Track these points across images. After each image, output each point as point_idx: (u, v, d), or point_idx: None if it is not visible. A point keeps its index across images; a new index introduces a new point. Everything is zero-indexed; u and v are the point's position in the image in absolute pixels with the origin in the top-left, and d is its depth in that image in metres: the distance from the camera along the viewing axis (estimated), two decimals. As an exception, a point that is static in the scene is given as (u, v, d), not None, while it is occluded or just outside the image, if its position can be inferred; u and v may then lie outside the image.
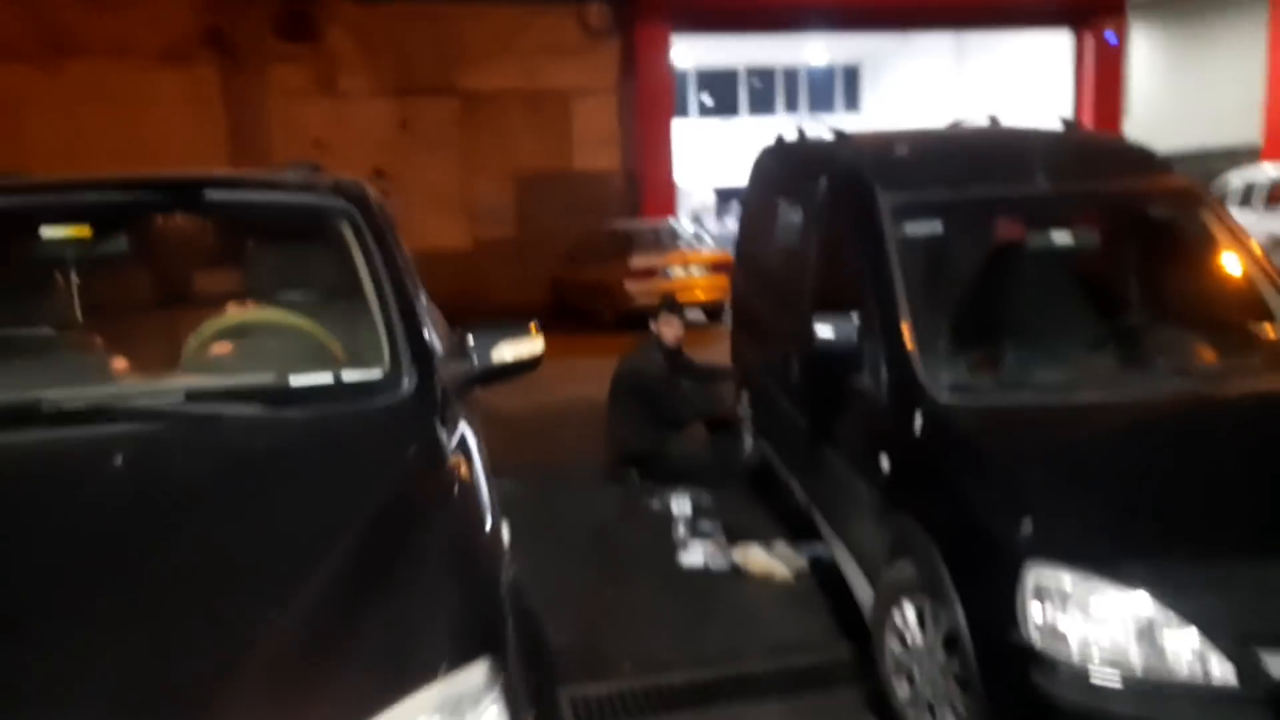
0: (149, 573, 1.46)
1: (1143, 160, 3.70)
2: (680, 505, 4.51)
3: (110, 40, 12.63)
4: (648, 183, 14.27)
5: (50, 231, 2.36)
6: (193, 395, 1.93)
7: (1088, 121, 15.28)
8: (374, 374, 2.10)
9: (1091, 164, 3.65)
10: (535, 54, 13.92)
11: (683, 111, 22.02)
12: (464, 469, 1.95)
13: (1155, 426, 2.70)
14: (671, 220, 13.20)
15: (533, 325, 2.40)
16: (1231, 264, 3.39)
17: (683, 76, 22.63)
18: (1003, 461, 2.58)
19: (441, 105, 13.95)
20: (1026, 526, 2.30)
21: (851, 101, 25.03)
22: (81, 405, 1.87)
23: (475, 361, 2.29)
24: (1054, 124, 4.02)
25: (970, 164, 3.63)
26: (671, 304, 5.73)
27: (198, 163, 12.03)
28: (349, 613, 1.41)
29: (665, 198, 14.30)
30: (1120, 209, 3.61)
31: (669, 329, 5.55)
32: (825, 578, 3.91)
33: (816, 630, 3.58)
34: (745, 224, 5.66)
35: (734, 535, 4.45)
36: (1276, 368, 3.07)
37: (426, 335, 2.17)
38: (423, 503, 1.70)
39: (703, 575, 4.15)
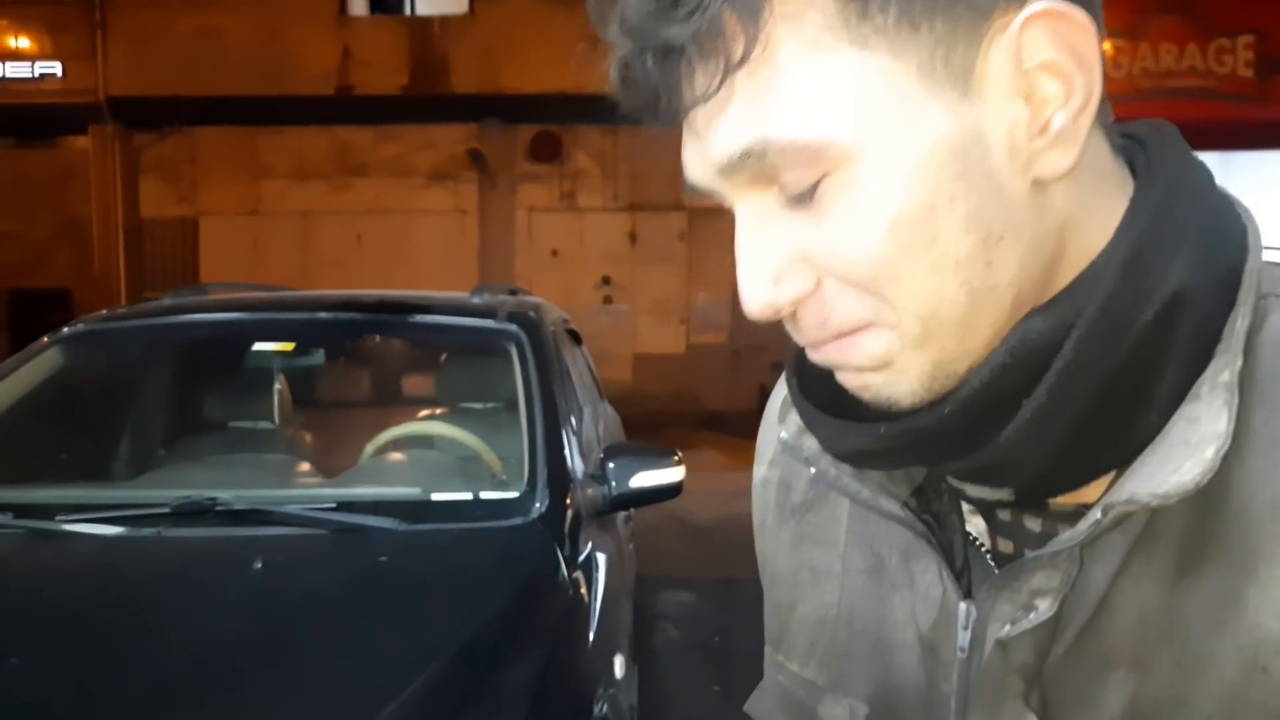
0: (219, 681, 1.52)
1: None
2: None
3: (390, 163, 14.48)
4: (870, 299, 14.07)
5: (260, 346, 2.71)
6: (342, 505, 2.11)
7: None
8: (511, 494, 2.21)
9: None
10: (762, 172, 14.36)
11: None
12: (580, 595, 1.99)
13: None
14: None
15: (677, 455, 2.43)
16: None
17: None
18: None
19: (668, 220, 14.62)
20: None
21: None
22: (244, 507, 2.09)
23: (614, 487, 2.35)
24: None
25: None
26: None
27: (454, 267, 13.39)
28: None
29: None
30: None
31: None
32: None
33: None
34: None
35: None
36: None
37: (569, 460, 2.27)
38: (519, 632, 1.74)
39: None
